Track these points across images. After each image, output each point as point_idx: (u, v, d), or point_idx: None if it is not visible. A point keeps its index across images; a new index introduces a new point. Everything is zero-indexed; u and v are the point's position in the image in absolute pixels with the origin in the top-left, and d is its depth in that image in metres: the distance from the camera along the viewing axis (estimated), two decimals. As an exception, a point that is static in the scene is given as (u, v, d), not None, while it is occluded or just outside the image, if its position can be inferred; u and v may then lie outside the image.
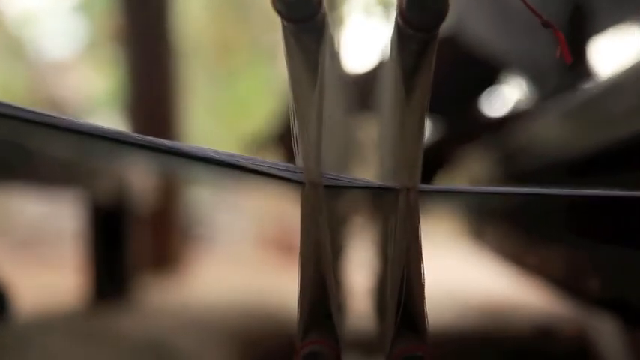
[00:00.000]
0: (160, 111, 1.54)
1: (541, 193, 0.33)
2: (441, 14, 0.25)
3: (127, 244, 1.06)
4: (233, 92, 3.64)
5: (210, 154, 0.26)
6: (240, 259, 2.28)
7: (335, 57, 0.32)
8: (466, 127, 0.89)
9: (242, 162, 0.26)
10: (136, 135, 0.26)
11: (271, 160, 0.27)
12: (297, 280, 0.28)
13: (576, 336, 0.77)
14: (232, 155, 0.27)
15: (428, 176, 0.84)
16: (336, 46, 0.29)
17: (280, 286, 1.33)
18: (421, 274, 0.28)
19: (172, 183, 1.49)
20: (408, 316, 0.28)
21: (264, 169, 0.27)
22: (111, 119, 3.34)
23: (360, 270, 0.74)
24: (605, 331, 0.68)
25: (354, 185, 0.28)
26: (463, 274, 1.58)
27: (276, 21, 0.26)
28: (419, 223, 0.27)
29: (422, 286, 0.28)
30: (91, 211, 1.04)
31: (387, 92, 0.36)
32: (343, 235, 0.55)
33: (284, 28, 0.26)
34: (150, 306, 1.03)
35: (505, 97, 0.93)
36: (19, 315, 0.69)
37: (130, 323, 0.86)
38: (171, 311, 0.99)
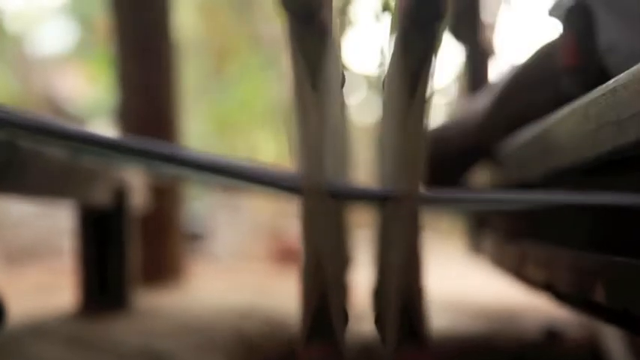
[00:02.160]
0: (156, 113, 1.54)
1: (543, 200, 0.33)
2: (443, 11, 0.25)
3: (124, 251, 1.05)
4: (231, 94, 3.64)
5: (208, 162, 0.26)
6: (239, 265, 2.28)
7: (337, 61, 0.31)
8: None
9: (241, 170, 0.26)
10: (133, 140, 0.25)
11: (272, 167, 0.27)
12: (300, 288, 0.27)
13: (583, 340, 0.77)
14: (231, 163, 0.26)
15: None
16: (338, 50, 0.29)
17: (279, 293, 1.32)
18: (421, 280, 0.27)
19: (171, 188, 1.49)
20: (410, 322, 0.28)
21: (265, 178, 0.26)
22: (105, 121, 3.34)
23: (361, 277, 0.74)
24: (612, 335, 0.67)
25: (355, 193, 0.28)
26: (466, 279, 1.58)
27: (276, 22, 0.26)
28: (420, 229, 0.27)
29: (422, 293, 0.27)
30: (87, 217, 1.04)
31: (389, 95, 0.36)
32: (344, 242, 0.55)
33: (288, 30, 0.26)
34: (147, 312, 1.03)
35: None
36: (12, 321, 0.68)
37: (126, 330, 0.85)
38: (169, 317, 0.99)
